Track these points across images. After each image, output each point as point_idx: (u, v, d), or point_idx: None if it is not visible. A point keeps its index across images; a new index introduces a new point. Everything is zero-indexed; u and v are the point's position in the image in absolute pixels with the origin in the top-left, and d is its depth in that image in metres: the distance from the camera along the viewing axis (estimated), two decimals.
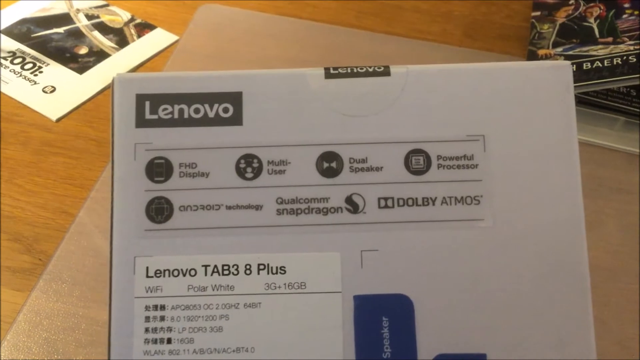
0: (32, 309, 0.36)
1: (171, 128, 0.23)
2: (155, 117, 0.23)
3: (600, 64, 0.45)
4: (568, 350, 0.22)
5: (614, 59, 0.45)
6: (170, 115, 0.23)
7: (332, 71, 0.24)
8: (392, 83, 0.23)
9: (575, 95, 0.46)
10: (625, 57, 0.45)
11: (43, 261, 0.39)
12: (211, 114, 0.23)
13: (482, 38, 0.56)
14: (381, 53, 0.53)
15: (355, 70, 0.24)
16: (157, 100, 0.23)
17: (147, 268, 0.22)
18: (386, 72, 0.24)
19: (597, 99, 0.47)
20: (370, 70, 0.24)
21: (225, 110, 0.23)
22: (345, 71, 0.24)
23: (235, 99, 0.23)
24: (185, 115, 0.23)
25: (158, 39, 0.55)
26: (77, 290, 0.37)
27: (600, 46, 0.48)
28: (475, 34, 0.56)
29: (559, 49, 0.49)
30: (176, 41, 0.54)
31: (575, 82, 0.44)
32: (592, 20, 0.51)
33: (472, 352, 0.22)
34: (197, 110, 0.23)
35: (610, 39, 0.48)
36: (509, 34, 0.56)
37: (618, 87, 0.46)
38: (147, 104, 0.23)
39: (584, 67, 0.45)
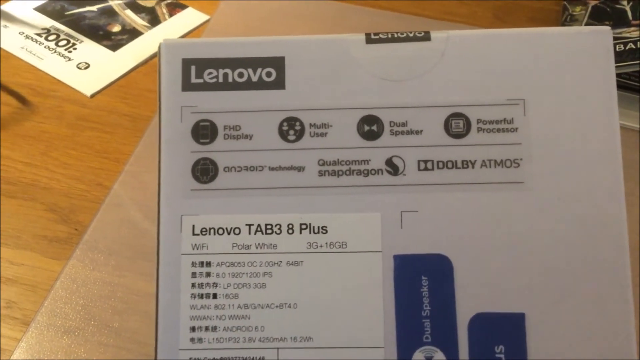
0: (69, 276, 0.37)
1: (216, 92, 0.24)
2: (200, 81, 0.24)
3: (633, 46, 0.45)
4: (607, 307, 0.22)
5: None
6: (215, 79, 0.24)
7: (372, 37, 0.24)
8: (433, 48, 0.24)
9: None
10: None
11: (79, 231, 0.40)
12: (254, 78, 0.24)
13: (512, 20, 0.55)
14: None
15: (395, 36, 0.24)
16: (203, 64, 0.24)
17: (193, 226, 0.23)
18: (427, 37, 0.24)
19: (620, 79, 0.46)
20: (411, 35, 0.24)
21: (269, 74, 0.24)
22: (385, 36, 0.24)
23: (278, 63, 0.24)
24: (230, 79, 0.24)
25: (189, 18, 0.55)
26: (112, 259, 0.38)
27: (633, 28, 0.47)
28: (505, 16, 0.56)
29: None
30: (207, 21, 0.55)
31: None
32: (625, 2, 0.50)
33: (510, 311, 0.22)
34: (241, 75, 0.24)
35: None
36: (539, 17, 0.55)
37: None
38: (193, 68, 0.24)
39: (617, 49, 0.45)
